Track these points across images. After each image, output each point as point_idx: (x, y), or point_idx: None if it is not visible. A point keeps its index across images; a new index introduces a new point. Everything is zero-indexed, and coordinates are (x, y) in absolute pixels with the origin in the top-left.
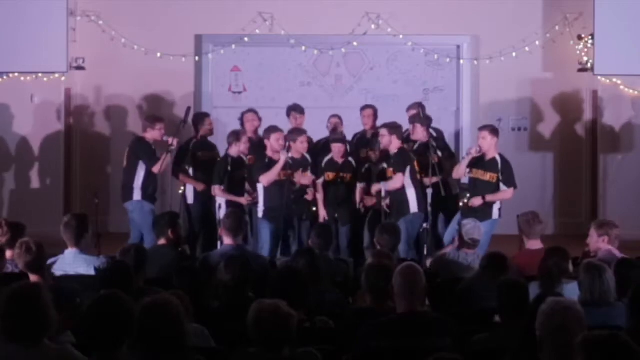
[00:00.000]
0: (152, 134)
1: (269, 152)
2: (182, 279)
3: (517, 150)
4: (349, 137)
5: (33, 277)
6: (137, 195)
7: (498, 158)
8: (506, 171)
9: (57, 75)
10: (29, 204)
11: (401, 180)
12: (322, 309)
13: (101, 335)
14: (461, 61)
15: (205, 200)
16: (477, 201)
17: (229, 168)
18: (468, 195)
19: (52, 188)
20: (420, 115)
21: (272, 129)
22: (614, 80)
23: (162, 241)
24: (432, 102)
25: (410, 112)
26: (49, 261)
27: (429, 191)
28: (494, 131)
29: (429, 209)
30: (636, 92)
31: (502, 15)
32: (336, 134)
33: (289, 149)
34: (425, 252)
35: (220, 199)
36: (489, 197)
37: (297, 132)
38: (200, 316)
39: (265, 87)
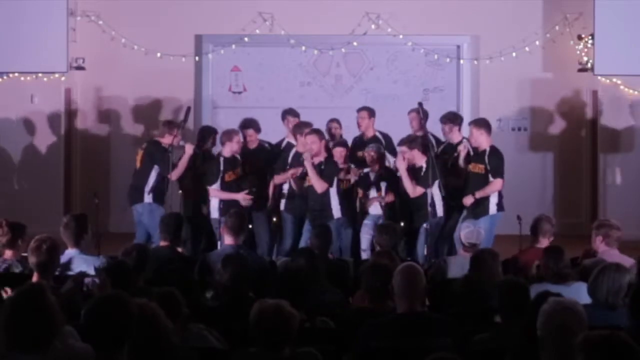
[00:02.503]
0: (169, 140)
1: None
2: (177, 278)
3: (517, 150)
4: (350, 139)
5: (36, 277)
6: (147, 198)
7: (487, 149)
8: (493, 162)
9: (57, 75)
10: (29, 204)
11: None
12: (322, 309)
13: (101, 335)
14: (461, 61)
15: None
16: (468, 200)
17: (221, 168)
18: None
19: (52, 188)
20: (419, 111)
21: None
22: (614, 80)
23: (164, 242)
24: (432, 102)
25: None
26: None
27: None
28: (478, 124)
29: (430, 209)
30: (636, 92)
31: (502, 15)
32: (339, 138)
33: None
34: (425, 252)
35: (215, 201)
36: (478, 194)
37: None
38: (200, 316)
39: (265, 87)
